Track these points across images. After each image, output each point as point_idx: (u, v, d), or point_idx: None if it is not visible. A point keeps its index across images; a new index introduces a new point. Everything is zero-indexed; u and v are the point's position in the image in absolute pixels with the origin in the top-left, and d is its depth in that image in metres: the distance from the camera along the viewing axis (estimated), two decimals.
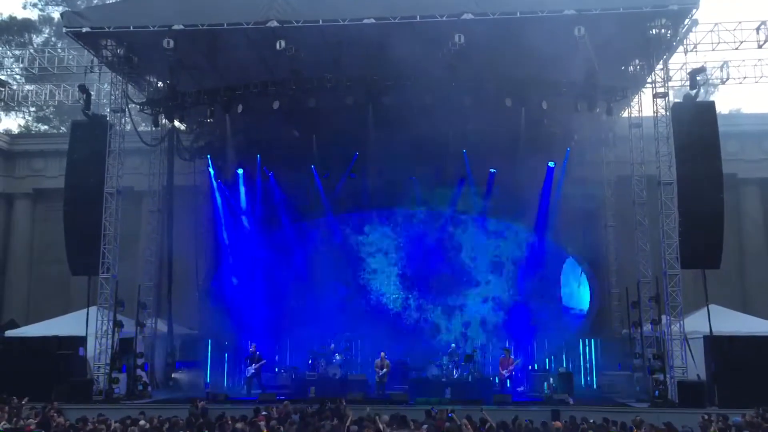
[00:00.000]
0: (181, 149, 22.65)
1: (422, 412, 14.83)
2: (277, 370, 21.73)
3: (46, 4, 39.21)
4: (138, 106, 21.09)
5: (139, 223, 24.20)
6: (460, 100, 19.49)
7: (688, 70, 18.97)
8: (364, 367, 21.79)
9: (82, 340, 18.81)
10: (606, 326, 23.53)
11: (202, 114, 21.51)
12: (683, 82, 20.64)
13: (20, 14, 38.89)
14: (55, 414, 14.66)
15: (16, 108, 31.68)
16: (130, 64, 19.78)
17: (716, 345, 17.39)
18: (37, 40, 37.72)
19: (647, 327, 19.26)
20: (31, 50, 25.95)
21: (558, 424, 13.76)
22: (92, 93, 20.24)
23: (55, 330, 19.64)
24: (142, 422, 13.13)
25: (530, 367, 21.61)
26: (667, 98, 19.02)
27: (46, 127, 37.04)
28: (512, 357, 20.48)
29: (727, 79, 21.98)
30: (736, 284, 24.82)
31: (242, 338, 22.49)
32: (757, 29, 19.52)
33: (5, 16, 38.08)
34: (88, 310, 19.14)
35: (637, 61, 20.27)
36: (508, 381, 19.95)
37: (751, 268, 25.36)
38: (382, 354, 20.74)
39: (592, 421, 13.76)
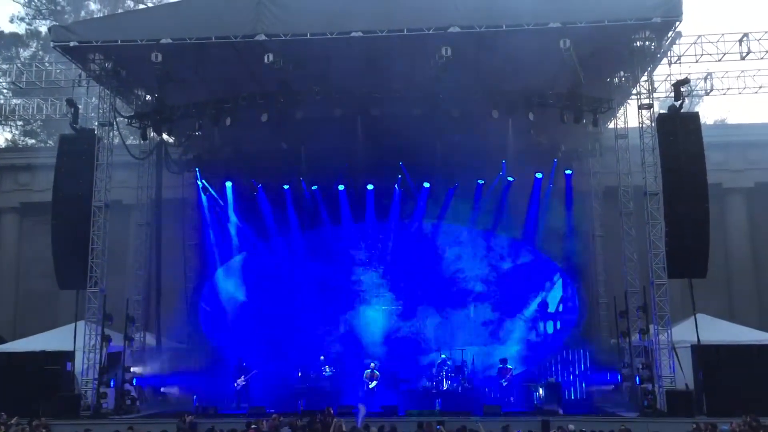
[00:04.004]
0: (169, 162, 22.64)
1: (413, 424, 14.86)
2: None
3: (34, 18, 38.98)
4: (126, 120, 21.09)
5: (128, 236, 24.13)
6: (448, 111, 19.65)
7: (673, 82, 19.15)
8: (354, 379, 21.73)
9: (69, 355, 18.68)
10: (594, 336, 23.60)
11: (190, 127, 21.51)
12: (668, 93, 20.87)
13: (7, 28, 38.71)
14: (43, 430, 14.59)
15: (3, 122, 31.55)
16: (117, 78, 19.81)
17: (704, 354, 17.51)
18: (25, 54, 37.49)
19: (635, 337, 19.36)
20: (19, 64, 25.80)
21: None
22: (80, 107, 20.20)
23: (43, 345, 19.45)
24: None
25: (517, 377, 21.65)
26: (652, 109, 19.20)
27: (33, 140, 36.79)
28: (507, 366, 20.53)
29: (711, 90, 22.25)
30: (722, 293, 24.96)
31: (231, 351, 22.39)
32: (740, 41, 19.79)
33: None
34: (75, 324, 19.00)
35: (622, 73, 20.46)
36: (504, 390, 20.03)
37: (737, 277, 25.54)
38: (372, 365, 20.77)
39: (581, 430, 13.85)
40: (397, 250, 24.50)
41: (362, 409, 17.70)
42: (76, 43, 18.58)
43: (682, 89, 18.65)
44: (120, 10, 35.18)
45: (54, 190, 19.77)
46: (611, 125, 22.20)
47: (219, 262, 24.29)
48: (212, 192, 23.79)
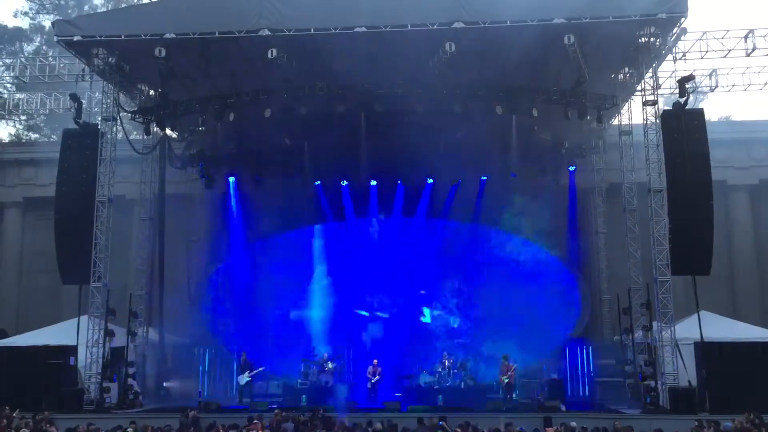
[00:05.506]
0: (172, 157, 22.62)
1: (415, 420, 14.88)
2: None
3: (37, 12, 39.08)
4: (129, 115, 21.05)
5: (131, 231, 24.11)
6: (451, 107, 19.57)
7: (677, 78, 19.09)
8: (356, 375, 21.77)
9: (72, 350, 18.69)
10: (597, 333, 23.60)
11: (193, 122, 21.51)
12: (672, 90, 20.78)
13: (11, 23, 38.81)
14: (46, 424, 14.63)
15: (7, 116, 31.54)
16: (121, 73, 19.76)
17: (707, 351, 17.46)
18: (28, 48, 37.58)
19: (638, 333, 19.32)
20: (22, 59, 25.86)
21: (550, 430, 13.83)
22: (83, 101, 20.16)
23: (46, 339, 19.52)
24: (129, 430, 13.17)
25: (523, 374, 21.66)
26: (656, 106, 19.12)
27: (36, 135, 36.83)
28: (509, 363, 20.52)
29: (716, 87, 22.22)
30: (725, 290, 24.93)
31: (234, 346, 22.44)
32: (745, 37, 19.75)
33: None
34: (78, 319, 19.02)
35: (626, 69, 20.40)
36: (507, 387, 20.04)
37: (740, 274, 25.50)
38: (375, 361, 20.79)
39: (584, 427, 13.83)
40: (400, 245, 24.49)
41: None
42: (80, 38, 18.56)
43: (686, 86, 18.58)
44: (123, 5, 35.24)
45: (57, 185, 19.77)
46: (615, 122, 22.18)
47: (222, 258, 24.31)
48: (215, 187, 23.81)
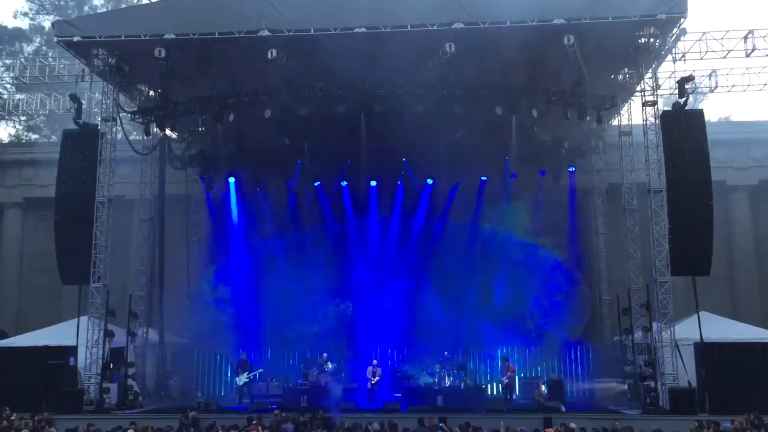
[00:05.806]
0: (172, 158, 22.62)
1: (415, 420, 14.88)
2: (270, 379, 21.64)
3: (37, 13, 39.15)
4: (129, 115, 21.04)
5: (131, 232, 24.12)
6: (451, 108, 19.58)
7: (677, 79, 19.09)
8: (356, 375, 21.75)
9: (72, 350, 18.69)
10: (597, 333, 23.59)
11: (193, 122, 21.51)
12: (672, 90, 20.79)
13: (11, 23, 38.87)
14: (45, 425, 14.64)
15: (7, 117, 31.55)
16: (121, 73, 19.76)
17: (706, 352, 17.47)
18: (28, 49, 37.63)
19: (638, 334, 19.32)
20: (22, 59, 25.86)
21: (550, 431, 13.83)
22: (83, 102, 20.17)
23: (46, 340, 19.52)
24: (129, 431, 13.17)
25: (523, 375, 21.66)
26: (656, 106, 19.11)
27: (36, 136, 36.86)
28: (509, 363, 20.54)
29: (716, 87, 22.27)
30: (725, 290, 24.94)
31: (234, 347, 22.43)
32: (745, 38, 19.77)
33: None
34: (78, 319, 19.02)
35: (626, 70, 20.42)
36: (506, 387, 20.05)
37: (740, 275, 25.50)
38: (374, 362, 20.80)
39: (583, 427, 13.85)
40: (400, 246, 24.48)
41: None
42: (80, 38, 18.55)
43: (686, 86, 18.59)
44: (123, 5, 35.26)
45: (57, 186, 19.76)
46: (615, 122, 22.18)
47: (222, 258, 24.30)
48: (215, 187, 23.82)
